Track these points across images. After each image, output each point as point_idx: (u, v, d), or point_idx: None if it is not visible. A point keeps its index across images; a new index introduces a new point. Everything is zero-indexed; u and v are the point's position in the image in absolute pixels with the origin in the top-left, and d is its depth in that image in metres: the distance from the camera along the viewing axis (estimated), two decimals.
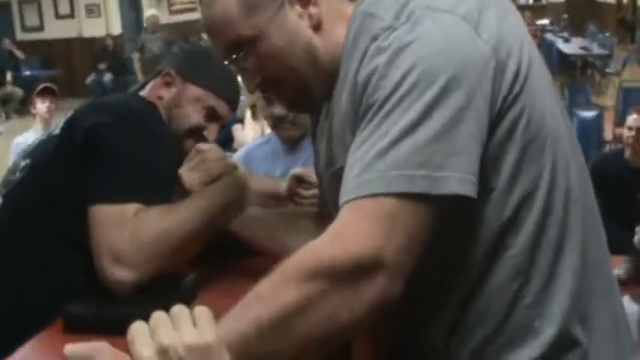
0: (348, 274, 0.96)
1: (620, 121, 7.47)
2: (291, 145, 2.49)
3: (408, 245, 0.98)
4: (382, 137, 1.00)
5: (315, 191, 1.81)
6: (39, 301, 1.54)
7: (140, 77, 11.16)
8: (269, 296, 0.96)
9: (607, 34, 16.66)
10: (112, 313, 1.40)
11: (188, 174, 1.60)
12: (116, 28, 15.99)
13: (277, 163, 2.53)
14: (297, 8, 1.19)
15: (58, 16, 15.69)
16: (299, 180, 1.85)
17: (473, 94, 1.01)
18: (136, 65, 12.18)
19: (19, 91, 13.10)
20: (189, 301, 1.46)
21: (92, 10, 15.66)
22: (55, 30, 15.46)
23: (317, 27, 1.21)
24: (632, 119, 4.70)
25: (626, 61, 13.55)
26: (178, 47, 1.98)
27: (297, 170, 1.88)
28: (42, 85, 5.64)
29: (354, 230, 0.98)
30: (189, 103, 1.75)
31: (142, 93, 1.80)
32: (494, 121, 1.05)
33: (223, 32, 1.22)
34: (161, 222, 1.46)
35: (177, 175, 1.65)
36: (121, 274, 1.43)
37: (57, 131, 1.63)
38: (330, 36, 1.21)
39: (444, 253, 1.08)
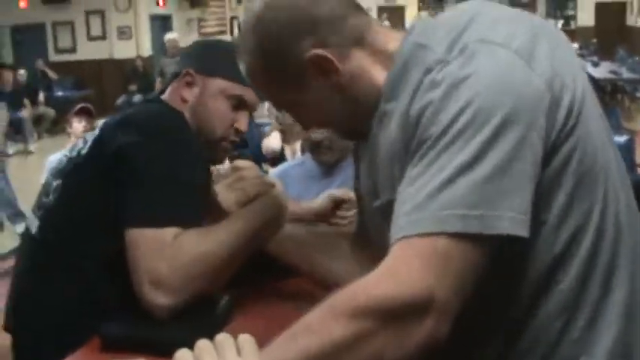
0: (398, 313, 0.96)
1: None
2: (327, 168, 2.51)
3: (459, 286, 0.98)
4: (436, 175, 0.99)
5: (355, 211, 1.83)
6: (72, 321, 1.56)
7: None
8: (318, 329, 0.97)
9: (637, 59, 16.55)
10: (148, 334, 1.42)
11: (225, 193, 1.59)
12: (146, 50, 16.18)
13: (312, 185, 2.56)
14: (322, 80, 1.22)
15: (90, 38, 15.91)
16: (339, 201, 1.87)
17: (528, 131, 1.00)
18: (157, 89, 11.74)
19: (51, 112, 13.25)
20: (224, 324, 1.48)
21: (124, 32, 15.87)
22: (87, 51, 15.68)
23: (350, 82, 1.23)
24: None
25: None
26: (192, 46, 1.92)
27: (334, 191, 1.89)
28: (79, 105, 5.70)
29: (407, 269, 0.98)
30: (216, 98, 1.72)
31: (164, 97, 1.78)
32: (548, 155, 1.04)
33: (264, 97, 1.35)
34: (200, 246, 1.46)
35: (210, 189, 1.65)
36: (161, 299, 1.43)
37: (85, 150, 1.63)
38: (369, 80, 1.23)
39: (493, 288, 1.07)
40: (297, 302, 1.59)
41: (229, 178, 1.62)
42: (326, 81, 1.21)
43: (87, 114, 5.59)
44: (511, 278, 1.09)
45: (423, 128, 1.04)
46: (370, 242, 1.40)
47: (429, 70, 1.07)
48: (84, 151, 1.62)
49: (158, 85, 11.51)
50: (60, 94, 14.42)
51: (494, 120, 0.99)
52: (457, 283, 0.98)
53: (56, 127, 12.46)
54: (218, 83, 1.72)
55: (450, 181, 0.98)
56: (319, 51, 1.19)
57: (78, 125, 5.49)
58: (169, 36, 12.48)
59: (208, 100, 1.71)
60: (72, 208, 1.60)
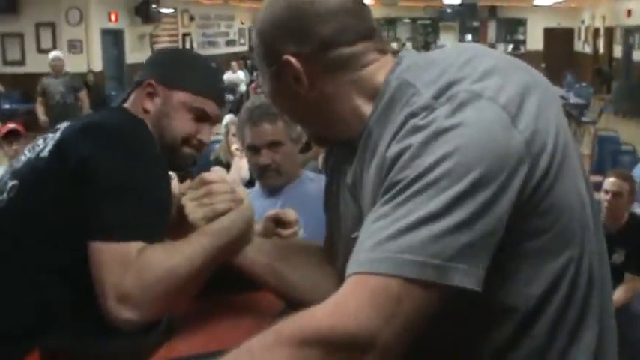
0: (341, 347, 0.97)
1: (595, 169, 7.56)
2: (272, 192, 2.52)
3: (404, 330, 0.99)
4: (403, 218, 1.00)
5: (293, 230, 1.83)
6: (17, 330, 1.51)
7: (43, 121, 10.09)
8: (261, 354, 0.98)
9: (584, 84, 16.94)
10: (89, 347, 1.40)
11: (192, 208, 1.54)
12: (98, 65, 16.04)
13: (256, 205, 2.55)
14: (293, 84, 1.26)
15: (40, 51, 15.71)
16: (276, 221, 1.86)
17: (499, 194, 1.01)
18: (39, 109, 10.54)
19: None
20: (165, 338, 1.47)
21: (75, 46, 15.71)
22: (37, 64, 15.45)
23: (325, 101, 1.26)
24: (608, 183, 4.46)
25: (602, 111, 13.75)
26: (155, 54, 1.88)
27: (273, 212, 1.89)
28: (6, 130, 5.64)
29: (356, 306, 0.98)
30: (177, 110, 1.71)
31: (127, 105, 1.75)
32: (521, 216, 1.05)
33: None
34: (166, 261, 1.44)
35: (172, 198, 1.61)
36: (127, 314, 1.41)
37: (45, 153, 1.57)
38: (350, 108, 1.25)
39: (458, 332, 1.10)
40: (241, 318, 1.60)
41: (197, 191, 1.56)
42: (297, 87, 1.25)
43: (16, 135, 5.54)
44: (479, 325, 1.11)
45: (397, 170, 1.04)
46: (336, 256, 1.43)
47: (413, 115, 1.08)
48: (43, 154, 1.57)
49: (39, 106, 10.57)
50: (7, 106, 14.22)
51: (470, 177, 0.99)
52: (403, 328, 0.99)
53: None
54: (180, 96, 1.71)
55: (415, 226, 0.99)
56: (293, 60, 1.23)
57: (9, 149, 5.46)
58: (55, 54, 11.33)
59: (170, 111, 1.71)
60: (27, 214, 1.55)
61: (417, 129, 1.05)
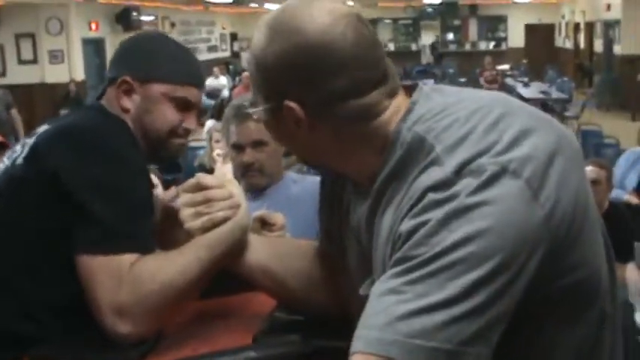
0: None
1: None
2: (256, 192, 2.51)
3: None
4: (416, 299, 0.96)
5: (279, 233, 1.83)
6: (4, 339, 1.48)
7: None
8: None
9: (565, 79, 17.01)
10: (75, 356, 1.39)
11: (188, 215, 1.46)
12: (79, 75, 15.98)
13: None
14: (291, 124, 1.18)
15: (20, 62, 15.64)
16: (263, 222, 1.86)
17: (518, 276, 0.98)
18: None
19: None
20: (151, 344, 1.46)
21: (56, 56, 15.64)
22: (18, 75, 15.39)
23: (325, 146, 1.20)
24: (587, 170, 4.56)
25: (585, 105, 13.82)
26: (122, 47, 1.74)
27: (260, 212, 1.88)
28: None
29: None
30: (158, 103, 1.63)
31: (104, 103, 1.67)
32: (538, 283, 1.02)
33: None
34: (160, 274, 1.41)
35: (154, 202, 1.58)
36: (124, 329, 1.39)
37: (20, 160, 1.52)
38: (354, 156, 1.20)
39: None
40: (231, 320, 1.60)
41: (193, 196, 1.47)
42: (296, 130, 1.18)
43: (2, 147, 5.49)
44: None
45: (413, 245, 1.00)
46: (330, 260, 1.42)
47: (432, 189, 1.03)
48: (18, 161, 1.53)
49: None
50: None
51: (490, 263, 0.96)
52: None
53: None
54: (158, 88, 1.63)
55: (429, 310, 0.95)
56: (296, 107, 1.16)
57: None
58: None
59: (150, 107, 1.64)
60: (7, 226, 1.50)
61: (437, 204, 1.01)
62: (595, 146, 8.17)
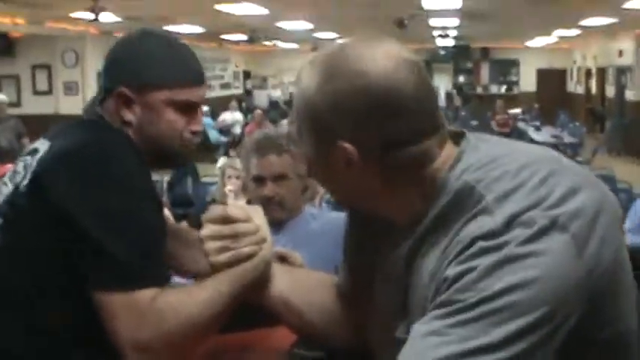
0: None
1: None
2: (275, 226, 2.49)
3: None
4: (458, 342, 0.97)
5: None
6: None
7: None
8: None
9: (577, 124, 17.02)
10: None
11: (214, 249, 1.43)
12: None
13: None
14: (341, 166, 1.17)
15: (35, 92, 15.75)
16: (281, 258, 1.84)
17: (559, 327, 1.00)
18: None
19: None
20: None
21: (70, 88, 15.75)
22: (33, 106, 15.49)
23: (370, 192, 1.19)
24: None
25: (596, 150, 13.81)
26: (112, 55, 1.65)
27: (280, 250, 1.87)
28: (5, 170, 5.60)
29: None
30: (160, 112, 1.56)
31: (105, 115, 1.60)
32: (578, 341, 1.04)
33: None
34: (182, 310, 1.39)
35: (166, 226, 1.54)
36: None
37: (23, 188, 1.46)
38: (397, 200, 1.20)
39: None
40: (250, 353, 1.59)
41: (220, 229, 1.44)
42: (344, 171, 1.17)
43: None
44: None
45: (459, 290, 1.01)
46: (350, 295, 1.41)
47: (482, 238, 1.03)
48: (22, 188, 1.47)
49: None
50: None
51: (534, 314, 0.98)
52: None
53: None
54: (157, 95, 1.55)
55: (472, 354, 0.96)
56: (350, 148, 1.14)
57: None
58: None
59: (153, 117, 1.56)
60: (13, 255, 1.46)
61: (486, 251, 1.02)
62: None
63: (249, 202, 2.76)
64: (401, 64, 1.13)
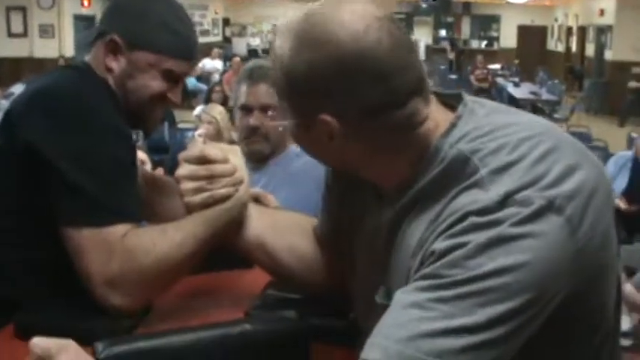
0: None
1: None
2: (256, 163, 2.46)
3: None
4: (443, 319, 0.94)
5: None
6: None
7: None
8: None
9: (556, 81, 17.07)
10: (64, 324, 1.36)
11: (189, 189, 1.39)
12: (69, 50, 15.86)
13: None
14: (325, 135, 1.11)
15: (10, 35, 15.51)
16: (256, 200, 1.82)
17: (543, 310, 0.98)
18: None
19: None
20: (143, 314, 1.43)
21: (46, 31, 15.53)
22: (7, 49, 15.27)
23: (356, 156, 1.14)
24: None
25: (574, 108, 13.88)
26: (118, 6, 1.63)
27: (255, 190, 1.85)
28: None
29: None
30: (144, 72, 1.55)
31: (89, 59, 1.59)
32: (555, 318, 1.02)
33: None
34: (155, 250, 1.37)
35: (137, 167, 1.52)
36: (117, 301, 1.36)
37: None
38: (383, 165, 1.15)
39: None
40: (223, 295, 1.58)
41: (196, 169, 1.39)
42: (328, 143, 1.11)
43: None
44: None
45: (447, 264, 0.97)
46: (329, 244, 1.38)
47: (475, 213, 0.99)
48: None
49: None
50: None
51: (523, 297, 0.95)
52: None
53: None
54: (145, 57, 1.55)
55: (455, 332, 0.94)
56: (331, 121, 1.08)
57: None
58: None
59: (136, 73, 1.55)
60: None
61: (478, 227, 0.98)
62: None
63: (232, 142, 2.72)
64: (371, 24, 1.06)
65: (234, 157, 1.44)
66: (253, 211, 1.44)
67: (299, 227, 1.45)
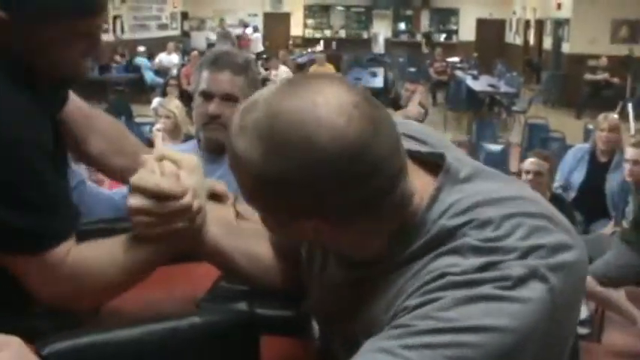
0: None
1: (524, 156, 7.69)
2: (213, 153, 2.41)
3: None
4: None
5: (227, 203, 1.76)
6: None
7: None
8: None
9: (514, 74, 17.22)
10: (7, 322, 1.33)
11: (142, 224, 1.27)
12: None
13: None
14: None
15: None
16: (211, 196, 1.79)
17: None
18: None
19: None
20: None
21: None
22: None
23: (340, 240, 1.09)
24: (529, 163, 4.70)
25: (532, 100, 14.02)
26: None
27: (212, 183, 1.81)
28: None
29: None
30: (55, 44, 1.33)
31: None
32: None
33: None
34: (99, 270, 1.31)
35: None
36: (65, 308, 1.34)
37: None
38: (363, 244, 1.10)
39: None
40: (175, 287, 1.55)
41: (149, 206, 1.25)
42: (311, 235, 1.08)
43: None
44: None
45: (418, 316, 0.96)
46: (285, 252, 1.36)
47: (453, 273, 0.98)
48: None
49: None
50: None
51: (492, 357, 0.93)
52: None
53: None
54: (49, 31, 1.31)
55: None
56: (318, 223, 1.03)
57: None
58: None
59: (46, 46, 1.33)
60: None
61: (456, 285, 0.96)
62: (541, 140, 8.28)
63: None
64: (351, 114, 0.97)
65: (193, 171, 1.34)
66: (209, 214, 1.36)
67: (255, 231, 1.37)
